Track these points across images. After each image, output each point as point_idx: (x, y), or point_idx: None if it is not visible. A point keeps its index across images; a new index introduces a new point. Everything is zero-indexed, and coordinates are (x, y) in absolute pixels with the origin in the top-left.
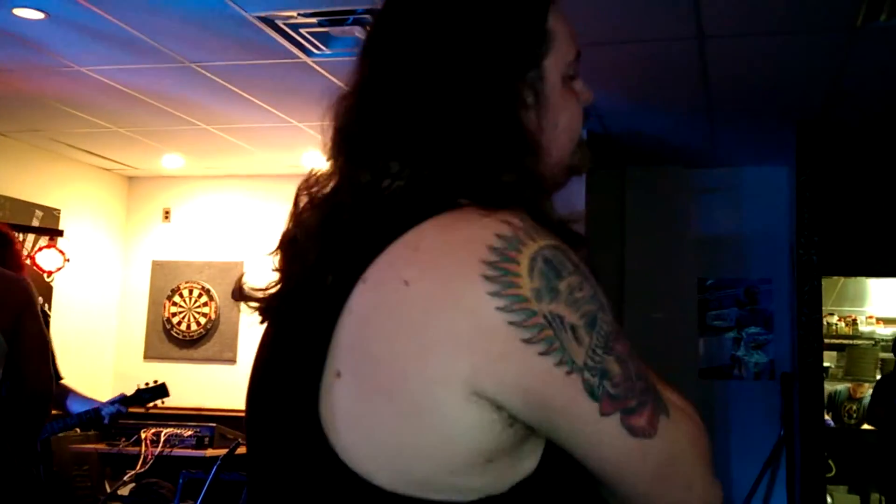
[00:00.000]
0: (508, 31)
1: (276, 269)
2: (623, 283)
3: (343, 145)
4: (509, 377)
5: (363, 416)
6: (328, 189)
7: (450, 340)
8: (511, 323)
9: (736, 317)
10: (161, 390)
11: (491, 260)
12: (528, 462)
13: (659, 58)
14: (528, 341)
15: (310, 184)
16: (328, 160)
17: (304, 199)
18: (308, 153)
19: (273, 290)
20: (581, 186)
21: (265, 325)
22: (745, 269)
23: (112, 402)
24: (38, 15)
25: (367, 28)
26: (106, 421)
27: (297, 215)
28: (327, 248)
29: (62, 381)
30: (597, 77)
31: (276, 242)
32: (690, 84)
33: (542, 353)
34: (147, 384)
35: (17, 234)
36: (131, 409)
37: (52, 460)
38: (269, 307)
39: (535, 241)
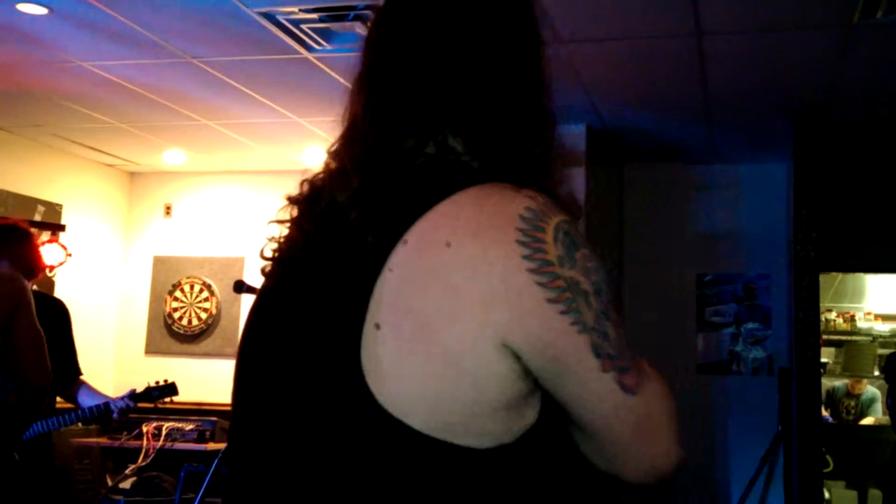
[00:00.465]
0: (527, 23)
1: (295, 226)
2: (622, 279)
3: (383, 115)
4: (533, 331)
5: (404, 366)
6: (356, 155)
7: (486, 296)
8: (539, 283)
9: (734, 312)
10: (171, 389)
11: (523, 228)
12: (531, 414)
13: (657, 54)
14: (551, 301)
15: (340, 148)
16: (351, 130)
17: (333, 162)
18: (309, 149)
19: (288, 246)
20: (581, 182)
21: (272, 277)
22: (744, 264)
23: (122, 398)
24: (41, 10)
25: (401, 9)
26: (115, 415)
27: (333, 177)
28: (369, 210)
29: (81, 378)
30: (595, 74)
31: (296, 200)
32: (689, 81)
33: (561, 312)
34: (157, 382)
35: (35, 231)
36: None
37: (53, 453)
38: (283, 260)
39: (556, 214)
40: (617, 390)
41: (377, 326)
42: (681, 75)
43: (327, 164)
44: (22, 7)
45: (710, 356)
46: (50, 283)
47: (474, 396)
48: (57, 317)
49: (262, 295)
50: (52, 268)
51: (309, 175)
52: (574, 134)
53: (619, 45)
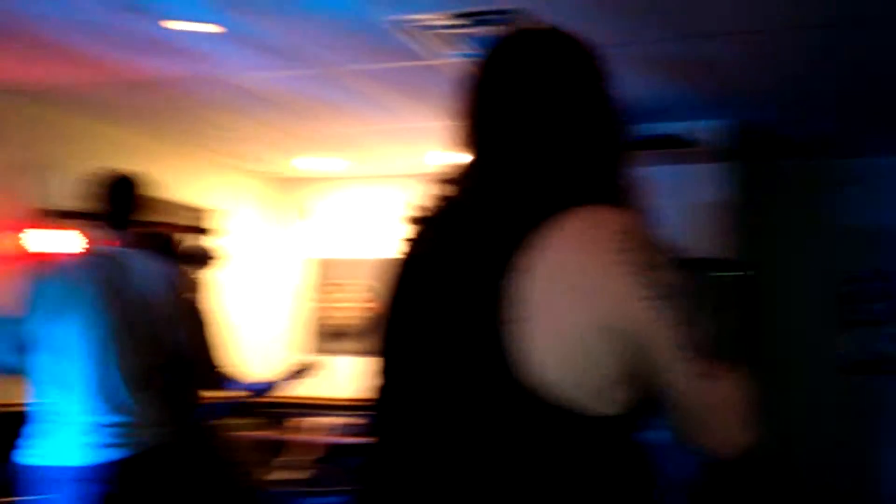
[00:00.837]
0: (599, 78)
1: (423, 234)
2: (767, 275)
3: (500, 150)
4: (632, 321)
5: (542, 350)
6: (478, 183)
7: (597, 294)
8: (638, 283)
9: (883, 310)
10: (306, 369)
11: (621, 239)
12: (628, 393)
13: (800, 46)
14: (644, 298)
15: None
16: (473, 159)
17: (457, 184)
18: (431, 153)
19: (417, 252)
20: (726, 178)
21: (400, 278)
22: (892, 261)
23: (260, 381)
24: (191, 27)
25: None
26: (255, 396)
27: (461, 195)
28: (496, 222)
29: (220, 369)
30: (737, 68)
31: (421, 215)
32: (833, 72)
33: (653, 308)
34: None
35: (176, 237)
36: (292, 400)
37: (213, 444)
38: (411, 263)
39: (642, 227)
40: (700, 376)
41: (518, 320)
42: (825, 67)
43: (452, 184)
44: (169, 24)
45: (858, 355)
46: (199, 288)
47: (599, 375)
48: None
49: (395, 293)
50: (202, 271)
51: (429, 195)
52: (718, 129)
53: (760, 37)
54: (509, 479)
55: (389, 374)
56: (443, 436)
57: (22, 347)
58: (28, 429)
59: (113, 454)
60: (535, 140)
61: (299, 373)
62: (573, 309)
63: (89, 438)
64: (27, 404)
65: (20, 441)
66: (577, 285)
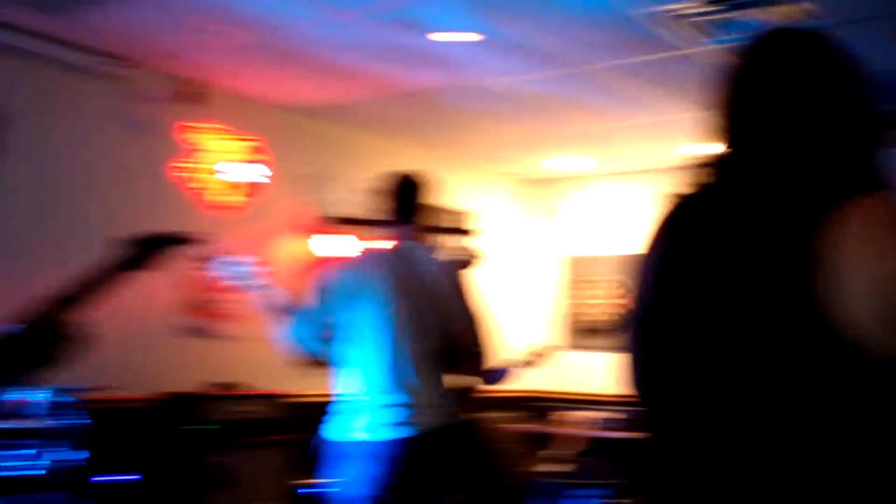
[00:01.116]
0: (854, 72)
1: (697, 216)
2: None
3: (776, 136)
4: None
5: (856, 308)
6: (759, 161)
7: (878, 264)
8: None
9: None
10: (540, 356)
11: (891, 222)
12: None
13: None
14: None
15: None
16: (746, 141)
17: (732, 163)
18: (681, 146)
19: (691, 234)
20: None
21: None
22: None
23: (495, 368)
24: (458, 37)
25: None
26: (492, 383)
27: (738, 172)
28: (788, 205)
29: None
30: None
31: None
32: None
33: None
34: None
35: (439, 238)
36: (554, 395)
37: (480, 432)
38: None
39: None
40: None
41: (830, 285)
42: None
43: (708, 174)
44: (434, 36)
45: None
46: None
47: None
48: None
49: (659, 285)
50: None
51: (684, 185)
52: None
53: None
54: (828, 443)
55: (661, 364)
56: (751, 405)
57: (325, 337)
58: (332, 408)
59: (402, 432)
60: (798, 130)
61: (533, 360)
62: (863, 276)
63: (382, 417)
64: (331, 388)
65: (325, 418)
66: (865, 257)
